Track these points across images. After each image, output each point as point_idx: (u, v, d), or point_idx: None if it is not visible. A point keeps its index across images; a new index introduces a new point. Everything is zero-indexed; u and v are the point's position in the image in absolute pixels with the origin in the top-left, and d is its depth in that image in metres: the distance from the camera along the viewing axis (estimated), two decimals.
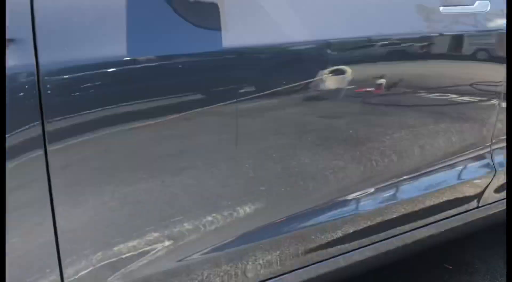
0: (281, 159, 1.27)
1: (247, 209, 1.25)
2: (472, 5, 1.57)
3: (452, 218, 1.70)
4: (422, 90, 1.51)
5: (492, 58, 1.68)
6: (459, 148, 1.68)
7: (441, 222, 1.68)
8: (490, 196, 1.80)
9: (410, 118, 1.52)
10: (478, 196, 1.76)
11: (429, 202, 1.63)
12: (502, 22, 1.65)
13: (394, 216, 1.54)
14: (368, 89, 1.37)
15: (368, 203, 1.47)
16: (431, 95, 1.54)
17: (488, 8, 1.60)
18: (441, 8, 1.50)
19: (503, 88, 1.69)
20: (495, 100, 1.69)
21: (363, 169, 1.43)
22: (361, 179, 1.45)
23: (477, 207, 1.78)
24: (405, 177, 1.55)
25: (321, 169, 1.34)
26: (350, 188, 1.44)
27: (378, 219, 1.51)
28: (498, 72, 1.68)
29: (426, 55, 1.48)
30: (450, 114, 1.63)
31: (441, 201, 1.66)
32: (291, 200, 1.32)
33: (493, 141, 1.76)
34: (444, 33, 1.53)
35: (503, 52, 1.67)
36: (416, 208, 1.59)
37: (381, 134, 1.45)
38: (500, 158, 1.80)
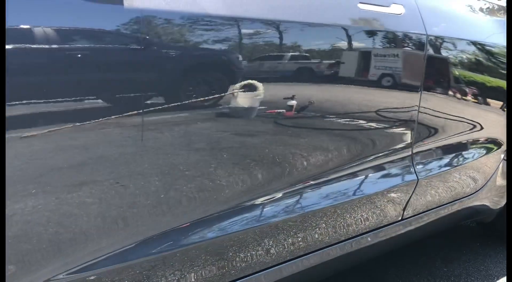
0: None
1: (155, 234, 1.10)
2: (388, 6, 1.53)
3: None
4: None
5: (409, 55, 1.65)
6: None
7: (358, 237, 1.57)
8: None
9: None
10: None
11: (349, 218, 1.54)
12: (415, 25, 1.62)
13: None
14: None
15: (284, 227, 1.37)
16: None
17: (403, 11, 1.56)
18: (359, 4, 1.44)
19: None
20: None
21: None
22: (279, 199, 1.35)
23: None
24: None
25: None
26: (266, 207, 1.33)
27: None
28: (416, 69, 1.64)
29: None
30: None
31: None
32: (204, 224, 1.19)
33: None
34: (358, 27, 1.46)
35: (412, 50, 1.65)
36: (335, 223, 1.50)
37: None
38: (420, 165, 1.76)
